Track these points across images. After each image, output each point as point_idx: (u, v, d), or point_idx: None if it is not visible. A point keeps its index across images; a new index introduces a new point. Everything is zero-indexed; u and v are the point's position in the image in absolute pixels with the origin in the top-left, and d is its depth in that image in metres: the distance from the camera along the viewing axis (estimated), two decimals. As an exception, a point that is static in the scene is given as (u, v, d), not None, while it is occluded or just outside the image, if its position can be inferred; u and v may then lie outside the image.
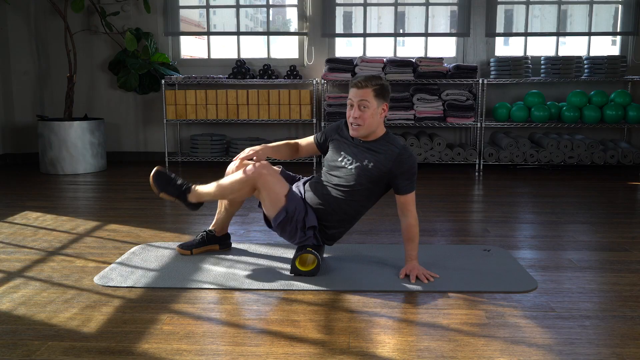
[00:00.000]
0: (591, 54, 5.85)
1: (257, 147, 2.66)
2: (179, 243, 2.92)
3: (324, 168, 2.65)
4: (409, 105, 5.40)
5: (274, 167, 2.58)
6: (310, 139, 2.77)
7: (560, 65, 5.46)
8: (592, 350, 1.85)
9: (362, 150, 2.53)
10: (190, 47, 6.61)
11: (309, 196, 2.60)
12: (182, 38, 6.06)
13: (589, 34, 5.88)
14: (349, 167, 2.52)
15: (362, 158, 2.51)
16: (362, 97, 2.44)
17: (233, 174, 2.60)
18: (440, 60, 5.43)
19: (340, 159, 2.57)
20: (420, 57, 5.49)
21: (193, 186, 2.68)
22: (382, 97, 2.47)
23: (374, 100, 2.45)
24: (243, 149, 5.55)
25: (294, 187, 2.70)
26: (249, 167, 2.49)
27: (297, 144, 2.79)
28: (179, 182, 2.68)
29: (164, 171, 2.68)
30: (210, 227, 2.87)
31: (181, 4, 6.01)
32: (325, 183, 2.58)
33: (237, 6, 5.96)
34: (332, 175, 2.58)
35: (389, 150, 2.50)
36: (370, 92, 2.44)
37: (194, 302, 2.24)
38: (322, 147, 2.72)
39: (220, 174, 5.06)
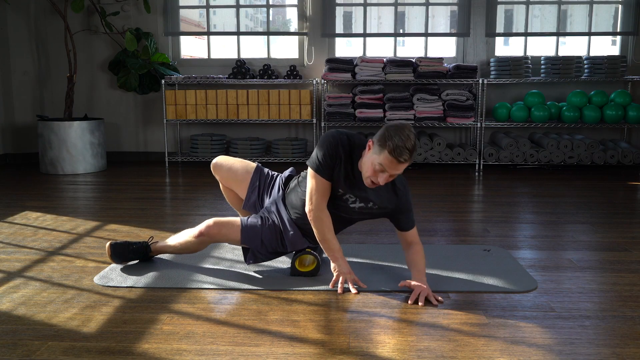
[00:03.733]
0: (591, 54, 5.85)
1: (346, 272, 2.37)
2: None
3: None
4: (408, 105, 5.41)
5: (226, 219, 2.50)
6: (324, 192, 2.34)
7: (560, 65, 5.45)
8: (592, 350, 1.85)
9: (365, 191, 2.35)
10: (190, 47, 6.61)
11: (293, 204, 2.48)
12: (182, 38, 6.06)
13: (589, 34, 5.88)
14: (352, 205, 2.39)
15: (366, 200, 2.36)
16: (398, 171, 2.21)
17: (187, 231, 2.56)
18: (440, 60, 5.43)
19: (339, 195, 2.37)
20: (420, 57, 5.49)
21: (152, 244, 2.65)
22: None
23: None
24: (243, 149, 5.59)
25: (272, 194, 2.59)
26: (199, 230, 2.48)
27: (324, 209, 2.37)
28: (135, 245, 2.63)
29: (118, 242, 2.61)
30: None
31: (181, 4, 6.01)
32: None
33: (237, 6, 5.96)
34: (329, 205, 2.39)
35: (392, 192, 2.38)
36: (407, 165, 2.21)
37: (194, 302, 2.24)
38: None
39: (220, 174, 5.05)
